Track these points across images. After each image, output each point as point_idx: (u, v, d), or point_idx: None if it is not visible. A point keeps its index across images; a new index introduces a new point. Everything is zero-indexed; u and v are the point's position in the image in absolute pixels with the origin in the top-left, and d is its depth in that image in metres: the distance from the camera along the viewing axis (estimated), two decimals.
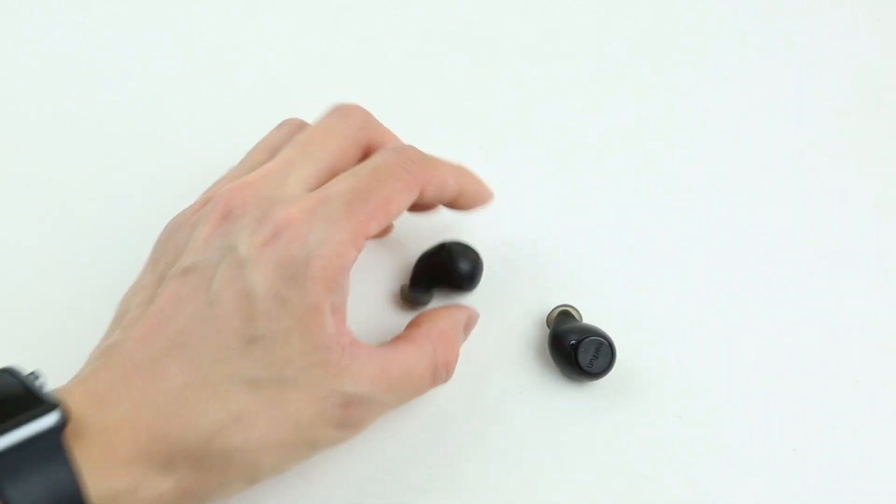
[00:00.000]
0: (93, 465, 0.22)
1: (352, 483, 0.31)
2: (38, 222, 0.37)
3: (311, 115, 0.32)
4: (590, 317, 0.34)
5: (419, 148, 0.30)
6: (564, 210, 0.38)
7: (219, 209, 0.27)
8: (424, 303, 0.35)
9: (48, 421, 0.22)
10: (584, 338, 0.32)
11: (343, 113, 0.31)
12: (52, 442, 0.22)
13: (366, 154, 0.31)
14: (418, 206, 0.32)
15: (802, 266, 0.37)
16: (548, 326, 0.34)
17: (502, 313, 0.35)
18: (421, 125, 0.41)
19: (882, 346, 0.35)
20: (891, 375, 0.34)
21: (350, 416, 0.27)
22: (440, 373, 0.29)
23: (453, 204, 0.32)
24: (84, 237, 0.36)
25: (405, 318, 0.33)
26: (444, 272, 0.34)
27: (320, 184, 0.28)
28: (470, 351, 0.33)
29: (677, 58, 0.43)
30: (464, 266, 0.34)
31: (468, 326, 0.32)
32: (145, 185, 0.38)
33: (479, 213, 0.33)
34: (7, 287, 0.35)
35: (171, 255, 0.28)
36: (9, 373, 0.24)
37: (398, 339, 0.30)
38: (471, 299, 0.35)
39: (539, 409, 0.32)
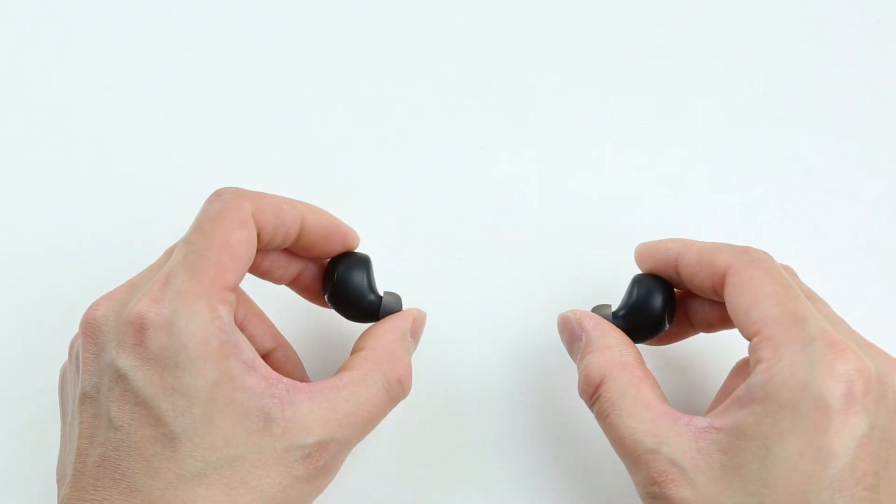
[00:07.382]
0: None
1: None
2: None
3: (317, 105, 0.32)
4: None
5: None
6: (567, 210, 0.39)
7: (85, 330, 0.27)
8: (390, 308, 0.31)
9: None
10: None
11: (215, 198, 0.28)
12: None
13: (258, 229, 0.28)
14: (273, 259, 0.30)
15: (802, 266, 0.37)
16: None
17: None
18: (421, 126, 0.41)
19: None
20: None
21: (316, 465, 0.26)
22: (395, 391, 0.28)
23: (306, 243, 0.29)
24: None
25: None
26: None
27: None
28: None
29: (676, 58, 0.43)
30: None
31: (416, 331, 0.31)
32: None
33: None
34: None
35: (70, 393, 0.28)
36: None
37: (343, 369, 0.29)
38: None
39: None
